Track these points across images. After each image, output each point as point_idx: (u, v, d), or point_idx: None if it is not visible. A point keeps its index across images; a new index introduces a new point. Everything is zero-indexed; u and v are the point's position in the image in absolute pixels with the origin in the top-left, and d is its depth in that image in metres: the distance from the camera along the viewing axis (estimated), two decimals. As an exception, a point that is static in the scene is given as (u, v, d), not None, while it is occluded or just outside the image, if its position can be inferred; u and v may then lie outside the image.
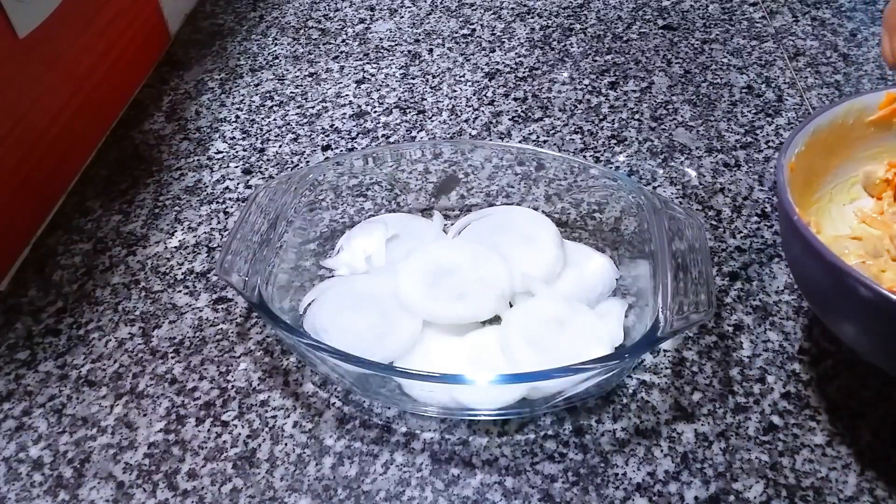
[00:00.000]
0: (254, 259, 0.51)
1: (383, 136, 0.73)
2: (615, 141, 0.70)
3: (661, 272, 0.49)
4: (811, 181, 0.49)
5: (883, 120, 0.50)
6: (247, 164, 0.70)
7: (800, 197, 0.47)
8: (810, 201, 0.50)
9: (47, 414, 0.51)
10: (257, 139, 0.73)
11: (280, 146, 0.72)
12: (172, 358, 0.54)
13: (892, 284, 0.44)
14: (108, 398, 0.52)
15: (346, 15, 0.92)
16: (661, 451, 0.47)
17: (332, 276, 0.57)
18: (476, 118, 0.74)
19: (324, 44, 0.87)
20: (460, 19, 0.89)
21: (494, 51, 0.83)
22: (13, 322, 0.57)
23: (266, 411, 0.50)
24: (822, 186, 0.51)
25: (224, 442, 0.49)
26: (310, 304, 0.54)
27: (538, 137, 0.71)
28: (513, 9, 0.90)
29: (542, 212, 0.60)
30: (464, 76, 0.80)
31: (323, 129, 0.74)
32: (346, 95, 0.78)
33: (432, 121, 0.74)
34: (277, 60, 0.84)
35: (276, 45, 0.87)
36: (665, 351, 0.52)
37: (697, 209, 0.63)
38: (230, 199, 0.67)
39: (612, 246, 0.55)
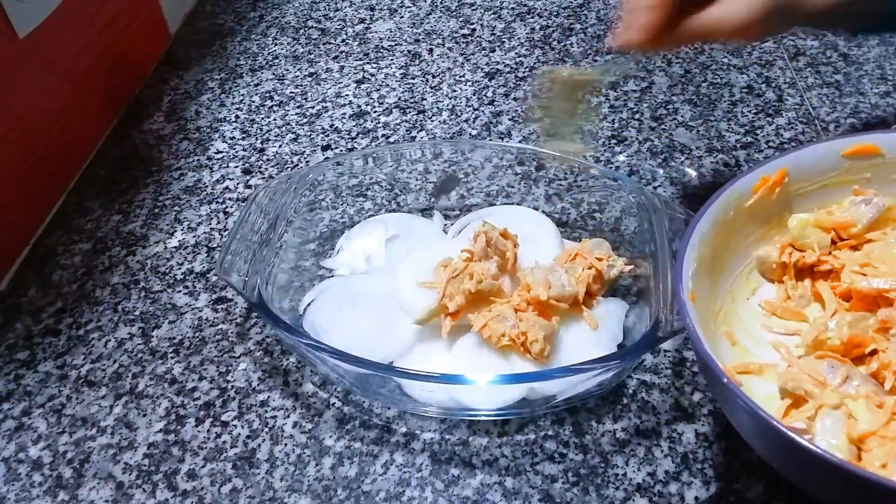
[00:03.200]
0: (254, 259, 0.51)
1: (383, 136, 0.72)
2: (615, 141, 0.70)
3: (661, 272, 0.49)
4: (711, 288, 0.45)
5: (761, 201, 0.47)
6: (247, 164, 0.70)
7: (705, 310, 0.43)
8: (715, 310, 0.46)
9: (47, 414, 0.51)
10: (257, 139, 0.73)
11: (280, 146, 0.72)
12: (172, 358, 0.54)
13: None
14: (108, 398, 0.51)
15: (346, 15, 0.92)
16: (662, 451, 0.47)
17: (332, 276, 0.57)
18: (476, 118, 0.74)
19: (324, 44, 0.87)
20: (460, 19, 0.89)
21: (494, 51, 0.83)
22: (13, 322, 0.57)
23: (266, 411, 0.50)
24: (721, 286, 0.47)
25: (224, 442, 0.48)
26: (310, 304, 0.54)
27: (538, 137, 0.71)
28: (513, 8, 0.90)
29: (542, 212, 0.60)
30: (464, 76, 0.80)
31: (323, 129, 0.74)
32: (346, 95, 0.78)
33: (432, 121, 0.74)
34: (277, 60, 0.84)
35: (276, 44, 0.87)
36: (665, 351, 0.52)
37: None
38: (230, 199, 0.67)
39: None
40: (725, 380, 0.37)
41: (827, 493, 0.38)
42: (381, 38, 0.87)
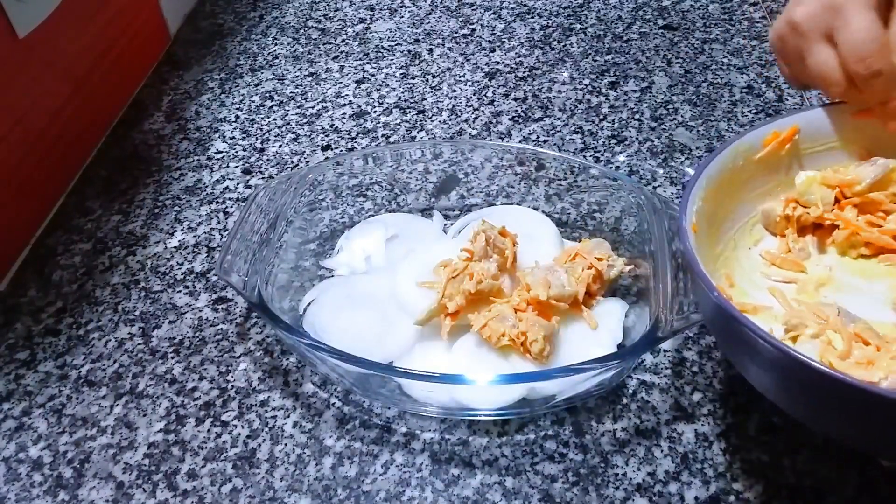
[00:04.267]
0: (253, 259, 0.51)
1: (383, 136, 0.72)
2: (615, 141, 0.70)
3: (661, 272, 0.49)
4: (713, 232, 0.47)
5: (770, 156, 0.49)
6: (247, 164, 0.70)
7: (706, 251, 0.45)
8: (716, 253, 0.47)
9: (47, 414, 0.51)
10: (257, 139, 0.73)
11: (280, 146, 0.72)
12: (172, 358, 0.54)
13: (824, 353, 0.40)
14: (108, 398, 0.51)
15: (346, 15, 0.92)
16: (662, 451, 0.47)
17: (332, 276, 0.57)
18: (476, 118, 0.74)
19: (324, 44, 0.87)
20: (460, 19, 0.89)
21: (494, 51, 0.83)
22: (13, 322, 0.57)
23: (266, 411, 0.50)
24: (724, 233, 0.49)
25: (224, 442, 0.49)
26: (309, 304, 0.54)
27: (538, 137, 0.71)
28: (513, 8, 0.90)
29: (542, 212, 0.60)
30: (464, 76, 0.80)
31: (323, 129, 0.74)
32: (346, 95, 0.78)
33: (432, 121, 0.74)
34: (277, 60, 0.84)
35: (275, 44, 0.87)
36: (665, 351, 0.52)
37: (697, 209, 0.63)
38: (230, 199, 0.67)
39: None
40: (715, 294, 0.38)
41: (807, 405, 0.39)
42: (381, 38, 0.87)
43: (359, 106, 0.76)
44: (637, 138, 0.70)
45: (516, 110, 0.74)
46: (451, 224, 0.61)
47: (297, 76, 0.81)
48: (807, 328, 0.41)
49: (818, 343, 0.40)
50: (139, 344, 0.55)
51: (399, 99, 0.77)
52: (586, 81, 0.77)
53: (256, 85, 0.81)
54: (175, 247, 0.62)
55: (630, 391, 0.50)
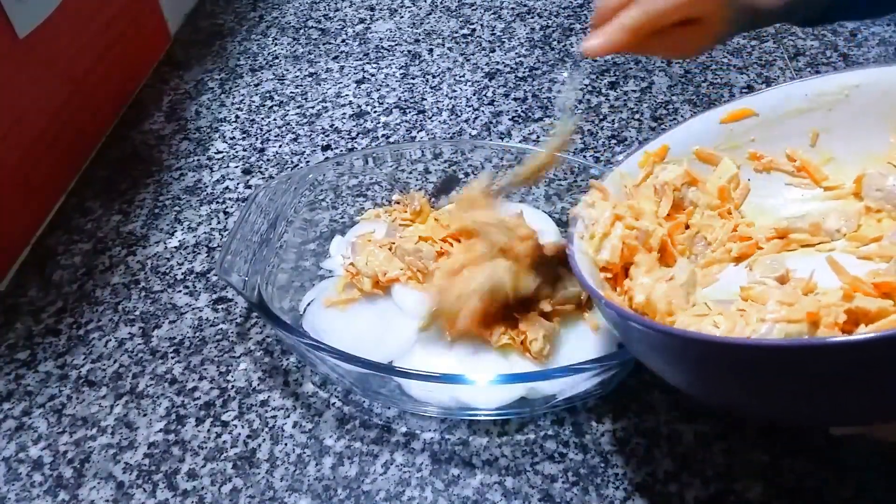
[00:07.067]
0: (254, 259, 0.51)
1: (383, 136, 0.72)
2: (615, 141, 0.70)
3: (661, 272, 0.49)
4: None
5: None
6: (247, 164, 0.70)
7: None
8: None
9: (47, 414, 0.51)
10: (257, 139, 0.73)
11: (280, 146, 0.72)
12: (172, 358, 0.54)
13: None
14: (108, 398, 0.51)
15: (346, 15, 0.92)
16: (662, 451, 0.47)
17: (332, 277, 0.57)
18: (476, 118, 0.74)
19: (324, 44, 0.87)
20: (460, 19, 0.89)
21: (494, 51, 0.83)
22: (13, 322, 0.57)
23: (266, 411, 0.50)
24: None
25: (224, 442, 0.49)
26: (309, 304, 0.54)
27: (538, 137, 0.71)
28: (513, 8, 0.90)
29: (543, 212, 0.60)
30: (464, 76, 0.80)
31: (323, 129, 0.74)
32: (346, 95, 0.78)
33: (432, 121, 0.74)
34: (277, 60, 0.84)
35: (275, 44, 0.87)
36: (665, 351, 0.52)
37: (697, 209, 0.63)
38: (230, 199, 0.67)
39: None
40: (604, 301, 0.37)
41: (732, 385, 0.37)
42: (381, 38, 0.87)
43: (359, 106, 0.76)
44: (637, 138, 0.70)
45: (516, 110, 0.74)
46: (451, 224, 0.60)
47: (297, 76, 0.81)
48: None
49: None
50: (139, 344, 0.55)
51: (399, 99, 0.77)
52: (586, 81, 0.77)
53: (256, 85, 0.81)
54: (175, 247, 0.62)
55: (630, 391, 0.50)
